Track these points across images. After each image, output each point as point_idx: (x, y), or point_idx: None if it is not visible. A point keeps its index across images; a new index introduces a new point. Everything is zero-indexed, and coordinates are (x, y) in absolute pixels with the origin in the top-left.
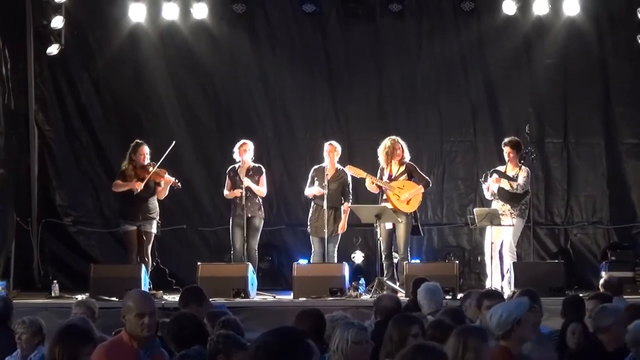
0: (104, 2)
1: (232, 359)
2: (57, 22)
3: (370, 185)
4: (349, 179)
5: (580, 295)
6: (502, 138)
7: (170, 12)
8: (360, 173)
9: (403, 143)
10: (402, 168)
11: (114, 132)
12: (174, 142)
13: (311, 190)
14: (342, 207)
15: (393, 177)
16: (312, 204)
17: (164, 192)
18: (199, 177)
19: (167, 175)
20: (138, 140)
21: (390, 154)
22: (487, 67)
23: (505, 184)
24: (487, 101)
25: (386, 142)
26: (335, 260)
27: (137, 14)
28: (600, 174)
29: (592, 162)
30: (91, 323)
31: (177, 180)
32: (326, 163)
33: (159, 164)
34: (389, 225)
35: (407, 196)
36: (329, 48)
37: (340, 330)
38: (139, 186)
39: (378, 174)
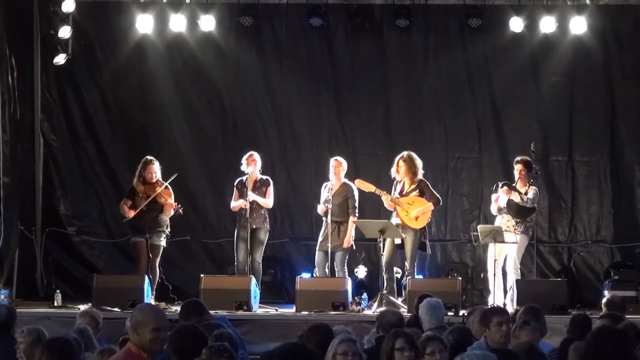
0: (112, 13)
1: None
2: (65, 32)
3: (387, 202)
4: (355, 193)
5: (588, 314)
6: (507, 155)
7: (178, 24)
8: (369, 187)
9: (415, 159)
10: (414, 184)
11: (120, 143)
12: (175, 174)
13: (318, 208)
14: (348, 221)
15: (404, 192)
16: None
17: (168, 212)
18: (203, 189)
19: (170, 199)
20: (148, 157)
21: (397, 170)
22: (493, 83)
23: (515, 197)
24: (492, 118)
25: (397, 158)
26: (346, 275)
27: (144, 25)
28: (605, 193)
29: (597, 181)
30: (91, 333)
31: (179, 205)
32: (331, 179)
33: (165, 185)
34: (397, 240)
35: (416, 213)
36: (336, 62)
37: (331, 344)
38: (130, 214)
39: (392, 188)
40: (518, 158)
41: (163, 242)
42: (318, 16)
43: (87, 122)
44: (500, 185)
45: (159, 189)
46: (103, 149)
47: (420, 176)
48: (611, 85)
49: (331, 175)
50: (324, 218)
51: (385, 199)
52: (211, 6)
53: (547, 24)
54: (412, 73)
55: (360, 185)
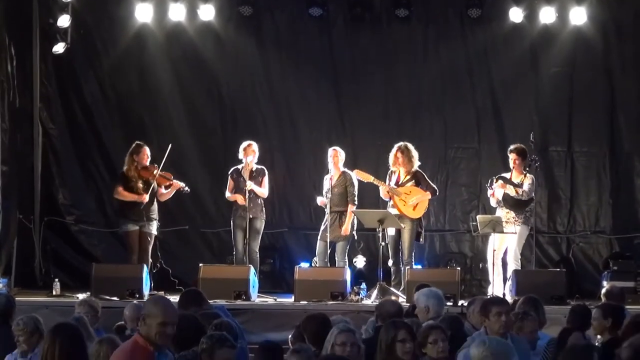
0: (111, 2)
1: (215, 356)
2: (64, 20)
3: (384, 192)
4: (355, 181)
5: (587, 304)
6: (506, 145)
7: (177, 13)
8: (367, 178)
9: (411, 150)
10: (410, 175)
11: (118, 132)
12: (170, 145)
13: (318, 199)
14: (347, 210)
15: (400, 182)
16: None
17: (167, 195)
18: (201, 179)
19: (175, 180)
20: (138, 142)
21: (395, 161)
22: (493, 74)
23: (510, 190)
24: (492, 108)
25: (394, 149)
26: (347, 265)
27: (143, 14)
28: (604, 184)
29: (596, 172)
30: (87, 322)
31: (184, 185)
32: (330, 168)
33: (161, 166)
34: (391, 232)
35: (415, 201)
36: (335, 52)
37: (329, 334)
38: (145, 199)
39: (387, 178)
40: (511, 147)
41: (155, 231)
42: (317, 6)
43: (85, 111)
44: (494, 179)
45: (156, 172)
46: (102, 138)
47: (416, 167)
48: (611, 76)
49: (330, 165)
50: (325, 209)
51: (383, 189)
52: None
53: (547, 15)
54: (411, 63)
55: (358, 175)
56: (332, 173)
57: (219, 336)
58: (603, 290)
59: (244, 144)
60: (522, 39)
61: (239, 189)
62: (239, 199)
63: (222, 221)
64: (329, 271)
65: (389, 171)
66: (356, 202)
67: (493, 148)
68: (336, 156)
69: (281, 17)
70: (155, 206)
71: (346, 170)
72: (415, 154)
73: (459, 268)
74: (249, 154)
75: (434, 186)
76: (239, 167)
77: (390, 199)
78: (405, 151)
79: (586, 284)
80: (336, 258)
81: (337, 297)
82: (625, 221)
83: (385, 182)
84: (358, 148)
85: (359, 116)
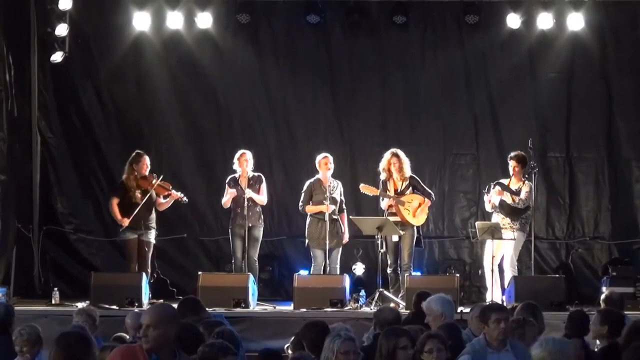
0: (109, 11)
1: None
2: (62, 29)
3: (389, 203)
4: (341, 189)
5: (585, 310)
6: (504, 151)
7: (175, 21)
8: (374, 191)
9: (403, 156)
10: (407, 182)
11: (116, 140)
12: (161, 176)
13: (318, 207)
14: (340, 218)
15: (399, 191)
16: (309, 216)
17: (166, 205)
18: (200, 187)
19: (173, 191)
20: (139, 151)
21: (391, 167)
22: (491, 80)
23: (507, 197)
24: (490, 114)
25: (386, 156)
26: (338, 272)
27: (141, 22)
28: (603, 189)
29: (595, 177)
30: (88, 331)
31: (182, 195)
32: (321, 176)
33: (160, 176)
34: (395, 237)
35: (419, 211)
36: (333, 59)
37: (328, 341)
38: (125, 223)
39: (380, 187)
40: (512, 154)
41: (153, 239)
42: (315, 13)
43: (83, 120)
44: (492, 186)
45: (155, 182)
46: (100, 147)
47: (409, 172)
48: (608, 81)
49: (322, 173)
50: (311, 215)
51: (387, 201)
52: (208, 3)
53: (544, 20)
54: (409, 70)
55: (364, 190)
56: (321, 178)
57: (221, 344)
58: (602, 296)
59: (237, 153)
60: (520, 45)
61: (237, 197)
62: (232, 193)
63: (221, 229)
64: (328, 278)
65: (381, 180)
66: (345, 209)
67: (491, 154)
68: (330, 163)
69: (279, 24)
70: (153, 215)
71: (332, 179)
72: (406, 159)
73: (458, 275)
74: (243, 163)
75: (430, 191)
76: (236, 175)
77: (388, 208)
78: (399, 157)
79: (585, 290)
80: (331, 265)
81: (336, 305)
82: (624, 227)
83: (386, 192)
84: (356, 155)
85: (356, 123)
